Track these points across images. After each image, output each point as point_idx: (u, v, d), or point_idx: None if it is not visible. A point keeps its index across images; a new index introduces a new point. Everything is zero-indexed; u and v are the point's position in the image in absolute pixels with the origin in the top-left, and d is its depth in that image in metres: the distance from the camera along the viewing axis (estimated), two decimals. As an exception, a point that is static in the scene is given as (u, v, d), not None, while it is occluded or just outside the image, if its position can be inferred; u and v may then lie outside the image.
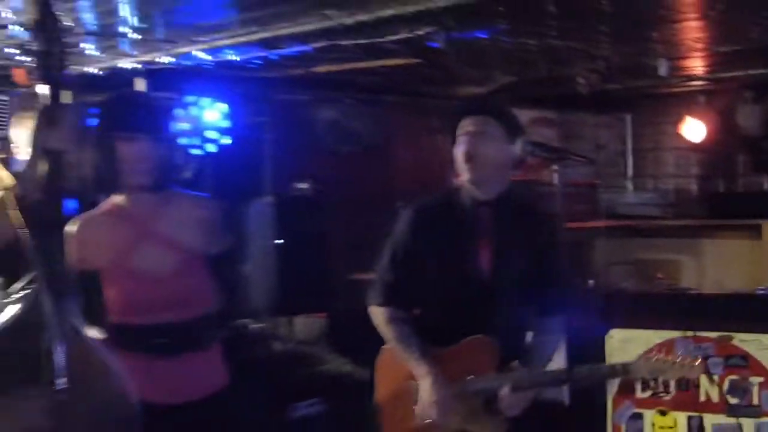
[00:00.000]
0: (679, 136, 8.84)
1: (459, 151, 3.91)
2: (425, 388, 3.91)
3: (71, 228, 3.56)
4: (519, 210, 4.03)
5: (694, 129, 8.67)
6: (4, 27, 5.23)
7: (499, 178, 3.97)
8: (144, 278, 3.62)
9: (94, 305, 3.47)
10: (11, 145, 4.63)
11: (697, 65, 7.05)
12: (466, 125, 3.93)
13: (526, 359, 3.95)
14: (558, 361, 5.66)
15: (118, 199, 3.68)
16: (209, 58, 6.27)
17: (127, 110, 3.81)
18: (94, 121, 3.70)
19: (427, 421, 3.95)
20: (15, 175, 3.03)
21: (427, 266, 4.00)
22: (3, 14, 5.00)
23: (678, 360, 3.84)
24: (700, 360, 3.87)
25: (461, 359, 3.93)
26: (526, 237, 3.98)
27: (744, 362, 5.33)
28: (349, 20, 5.05)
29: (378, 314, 4.09)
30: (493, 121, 3.94)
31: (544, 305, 4.01)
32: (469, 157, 3.89)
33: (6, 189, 2.84)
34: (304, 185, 7.68)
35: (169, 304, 3.66)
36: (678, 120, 8.77)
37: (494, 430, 3.93)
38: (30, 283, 2.96)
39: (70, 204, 3.27)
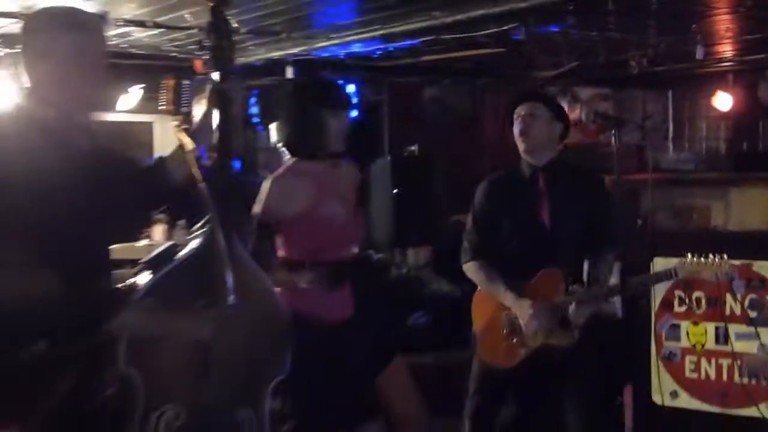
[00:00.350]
0: (711, 107, 8.63)
1: (516, 130, 4.03)
2: (520, 310, 3.96)
3: (271, 182, 3.63)
4: (567, 170, 4.11)
5: (723, 101, 8.44)
6: (189, 29, 5.32)
7: (549, 148, 4.06)
8: (326, 226, 3.68)
9: (266, 246, 3.55)
10: (193, 118, 4.71)
11: (726, 50, 6.89)
12: (521, 109, 4.04)
13: (587, 283, 3.98)
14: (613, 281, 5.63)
15: (306, 161, 3.72)
16: (341, 50, 6.29)
17: (334, 90, 3.90)
18: (301, 97, 3.75)
19: (515, 340, 4.01)
20: (194, 141, 3.08)
21: (502, 222, 4.08)
22: (189, 19, 5.09)
23: (710, 260, 3.92)
24: (726, 258, 3.92)
25: (538, 288, 3.99)
26: (575, 191, 4.06)
27: (762, 284, 5.26)
28: (449, 19, 5.04)
29: (469, 268, 4.20)
30: (541, 105, 4.06)
31: (595, 242, 4.05)
32: (524, 133, 4.01)
33: (189, 151, 2.88)
34: (413, 148, 7.68)
35: (339, 245, 3.73)
36: (710, 94, 8.55)
37: (569, 340, 3.99)
38: (206, 223, 3.01)
39: (236, 163, 3.30)
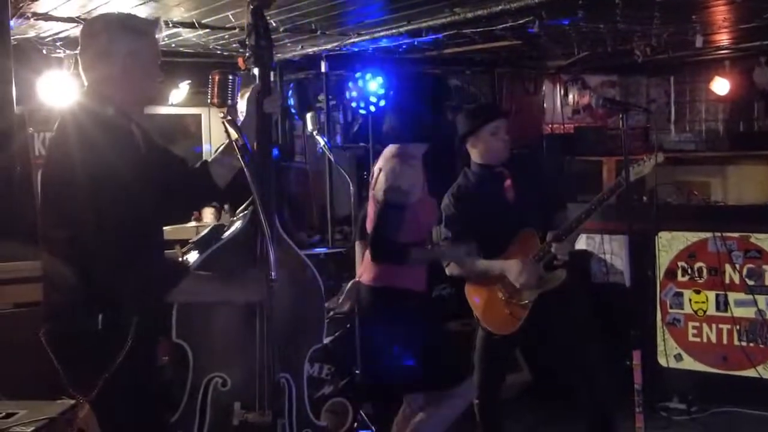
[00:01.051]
0: (710, 91, 8.51)
1: (495, 143, 4.10)
2: (511, 269, 4.01)
3: (401, 164, 3.72)
4: (515, 160, 4.25)
5: (721, 85, 8.32)
6: (232, 29, 5.29)
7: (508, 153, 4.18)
8: (429, 206, 3.86)
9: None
10: (238, 110, 4.68)
11: (723, 38, 6.76)
12: (496, 126, 4.11)
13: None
14: (620, 255, 5.58)
15: (416, 148, 3.81)
16: (371, 45, 6.24)
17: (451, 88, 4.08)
18: (434, 92, 3.84)
19: (515, 301, 4.01)
20: (238, 130, 3.06)
21: (478, 218, 4.09)
22: (232, 20, 5.06)
23: (644, 159, 3.99)
24: (662, 154, 4.03)
25: (518, 248, 4.08)
26: (526, 175, 4.22)
27: (759, 254, 5.25)
28: (470, 14, 5.00)
29: (452, 265, 4.18)
30: (504, 120, 4.20)
31: (553, 203, 4.23)
32: (501, 149, 4.11)
33: (234, 140, 2.85)
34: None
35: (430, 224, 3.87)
36: (709, 79, 8.43)
37: (560, 277, 4.07)
38: (249, 205, 2.98)
39: (275, 150, 3.28)
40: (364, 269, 3.86)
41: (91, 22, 2.85)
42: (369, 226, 3.85)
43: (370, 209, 3.88)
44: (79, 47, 2.80)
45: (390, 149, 3.81)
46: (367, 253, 3.84)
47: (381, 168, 3.80)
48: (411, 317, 3.75)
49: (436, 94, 3.82)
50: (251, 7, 2.96)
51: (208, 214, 5.14)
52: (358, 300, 3.96)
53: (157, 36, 2.84)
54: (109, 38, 2.71)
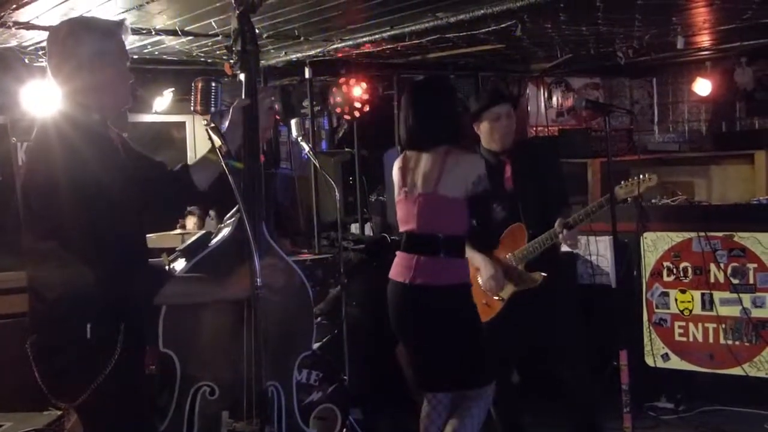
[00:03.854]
0: (692, 92, 8.52)
1: (497, 129, 4.19)
2: (484, 270, 4.11)
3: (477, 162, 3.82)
4: (522, 148, 4.33)
5: (702, 86, 8.32)
6: (217, 36, 5.28)
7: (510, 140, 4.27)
8: None
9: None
10: (221, 117, 4.66)
11: (705, 40, 6.78)
12: (498, 112, 4.19)
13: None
14: (606, 256, 5.57)
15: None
16: (354, 51, 6.23)
17: None
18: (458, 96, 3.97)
19: (491, 295, 4.05)
20: (222, 137, 3.04)
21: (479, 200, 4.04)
22: (215, 27, 5.04)
23: (638, 178, 4.11)
24: (655, 175, 4.12)
25: (506, 240, 4.19)
26: (531, 165, 4.23)
27: (742, 253, 5.26)
28: (453, 19, 4.99)
29: None
30: (510, 105, 4.27)
31: (558, 199, 4.29)
32: (507, 134, 4.20)
33: (218, 147, 2.83)
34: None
35: None
36: (691, 80, 8.44)
37: (536, 280, 4.15)
38: (235, 212, 2.97)
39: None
40: (415, 270, 3.72)
41: (55, 29, 2.79)
42: (415, 223, 3.78)
43: (413, 206, 3.79)
44: (46, 55, 2.76)
45: (437, 149, 3.75)
46: (402, 254, 3.82)
47: (437, 166, 3.71)
48: (475, 312, 3.80)
49: (455, 93, 3.92)
50: (237, 12, 2.95)
51: (191, 223, 5.09)
52: (401, 304, 3.80)
53: (123, 37, 2.80)
54: (75, 41, 2.67)
